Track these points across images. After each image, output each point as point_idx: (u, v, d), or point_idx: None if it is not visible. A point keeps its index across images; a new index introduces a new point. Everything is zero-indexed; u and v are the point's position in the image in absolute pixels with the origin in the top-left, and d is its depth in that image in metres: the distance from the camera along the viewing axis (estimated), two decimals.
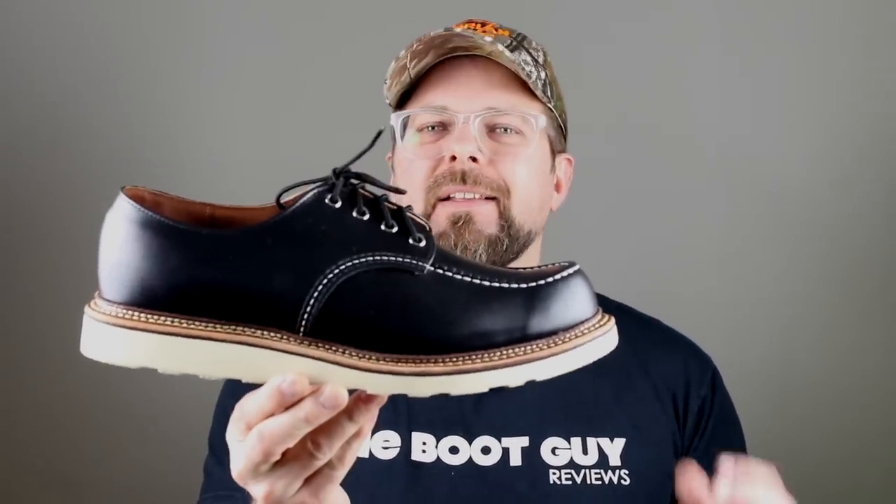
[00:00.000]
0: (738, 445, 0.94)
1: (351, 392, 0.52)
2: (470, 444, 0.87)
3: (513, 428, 0.88)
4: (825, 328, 1.57)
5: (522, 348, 0.51)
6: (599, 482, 0.85)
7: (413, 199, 0.90)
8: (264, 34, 1.61)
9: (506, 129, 0.91)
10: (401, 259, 0.52)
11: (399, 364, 0.51)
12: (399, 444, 0.86)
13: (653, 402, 0.92)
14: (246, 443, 0.52)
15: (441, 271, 0.53)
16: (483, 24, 0.93)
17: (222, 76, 1.60)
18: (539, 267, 0.56)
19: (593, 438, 0.88)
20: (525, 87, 0.92)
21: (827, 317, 1.58)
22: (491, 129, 0.91)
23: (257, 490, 0.55)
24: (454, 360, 0.51)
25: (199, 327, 0.51)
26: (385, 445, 0.86)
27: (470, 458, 0.86)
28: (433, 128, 0.93)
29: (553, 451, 0.87)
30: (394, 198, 0.57)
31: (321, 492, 0.56)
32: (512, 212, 0.91)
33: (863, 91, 1.61)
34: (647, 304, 1.01)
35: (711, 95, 1.62)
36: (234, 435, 0.54)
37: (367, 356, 0.51)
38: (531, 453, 0.86)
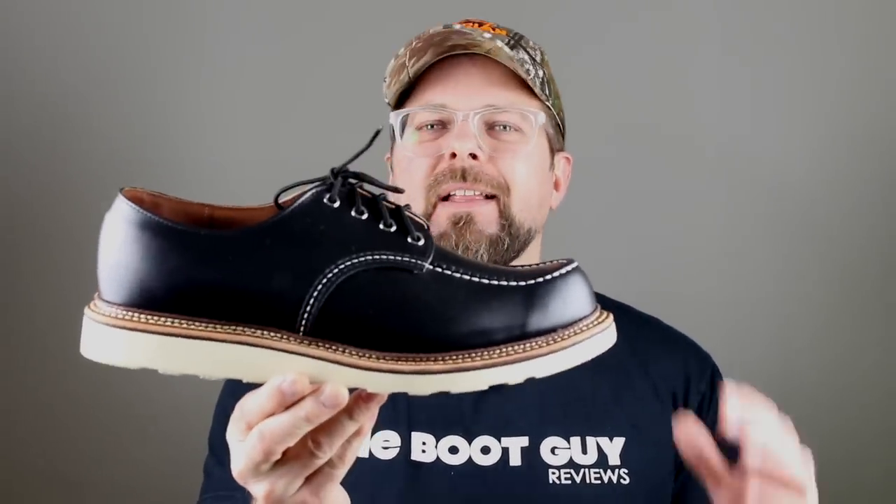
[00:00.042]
0: None
1: (351, 391, 0.52)
2: (469, 443, 0.87)
3: (512, 428, 0.88)
4: (824, 328, 1.58)
5: (522, 346, 0.52)
6: (599, 482, 0.85)
7: (413, 199, 0.90)
8: (264, 34, 1.61)
9: (505, 127, 0.92)
10: (400, 258, 0.53)
11: (399, 362, 0.51)
12: (399, 444, 0.86)
13: (652, 401, 0.92)
14: (246, 442, 0.52)
15: (440, 270, 0.53)
16: (480, 24, 0.93)
17: (222, 76, 1.60)
18: (538, 265, 0.56)
19: (593, 438, 0.88)
20: (523, 85, 0.92)
21: (826, 316, 1.59)
22: (490, 127, 0.91)
23: (258, 489, 0.55)
24: (454, 358, 0.51)
25: (199, 328, 0.51)
26: (385, 445, 0.86)
27: (469, 458, 0.86)
28: (432, 126, 0.93)
29: (552, 450, 0.87)
30: (392, 197, 0.57)
31: (322, 490, 0.56)
32: (512, 210, 0.91)
33: (862, 91, 1.61)
34: (647, 304, 1.01)
35: (711, 95, 1.62)
36: (234, 434, 0.54)
37: (367, 355, 0.51)
38: (531, 453, 0.86)
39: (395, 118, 0.95)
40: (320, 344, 0.51)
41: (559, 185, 1.01)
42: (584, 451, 0.87)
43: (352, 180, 0.54)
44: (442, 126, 0.92)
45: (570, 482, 0.85)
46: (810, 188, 1.61)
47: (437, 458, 0.86)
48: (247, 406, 0.52)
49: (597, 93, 1.53)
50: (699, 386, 0.94)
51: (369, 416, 0.53)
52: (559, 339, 0.52)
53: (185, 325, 0.51)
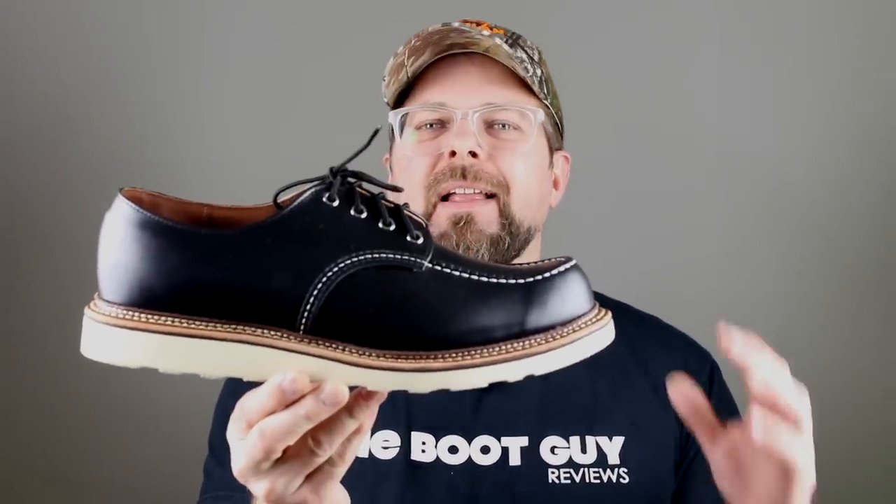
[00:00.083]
0: None
1: (351, 389, 0.52)
2: (469, 443, 0.87)
3: (512, 427, 0.88)
4: (823, 328, 1.58)
5: (521, 343, 0.52)
6: (598, 481, 0.85)
7: (413, 198, 0.90)
8: (264, 34, 1.61)
9: (504, 126, 0.92)
10: (399, 256, 0.53)
11: (399, 360, 0.51)
12: (398, 444, 0.86)
13: (652, 399, 0.92)
14: (247, 441, 0.53)
15: (439, 268, 0.54)
16: (478, 24, 0.93)
17: (222, 76, 1.60)
18: (536, 263, 0.57)
19: (592, 437, 0.88)
20: (522, 84, 0.93)
21: (825, 316, 1.59)
22: (489, 126, 0.91)
23: (258, 488, 0.55)
24: (453, 355, 0.51)
25: (200, 327, 0.51)
26: (385, 445, 0.86)
27: (469, 458, 0.86)
28: (431, 125, 0.93)
29: (552, 450, 0.87)
30: (391, 196, 0.57)
31: (322, 489, 0.56)
32: (512, 208, 0.91)
33: (861, 91, 1.61)
34: (647, 304, 1.01)
35: (711, 95, 1.62)
36: (234, 433, 0.54)
37: (367, 353, 0.51)
38: (530, 453, 0.86)
39: (393, 117, 0.95)
40: (320, 342, 0.52)
41: (558, 183, 1.01)
42: (584, 451, 0.87)
43: (351, 179, 0.55)
44: (441, 125, 0.92)
45: (569, 481, 0.85)
46: (810, 188, 1.61)
47: (437, 457, 0.86)
48: (247, 404, 0.53)
49: (597, 93, 1.53)
50: (699, 383, 0.94)
51: (369, 414, 0.54)
52: (558, 337, 0.52)
53: (185, 325, 0.51)
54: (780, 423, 0.58)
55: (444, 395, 0.87)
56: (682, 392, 0.65)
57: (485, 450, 0.86)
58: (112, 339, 0.52)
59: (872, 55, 1.61)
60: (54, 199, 1.56)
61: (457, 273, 0.54)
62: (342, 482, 0.60)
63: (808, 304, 1.59)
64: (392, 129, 0.96)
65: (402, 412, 0.88)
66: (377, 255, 0.52)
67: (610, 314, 0.56)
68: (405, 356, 0.51)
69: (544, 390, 0.89)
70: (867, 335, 1.59)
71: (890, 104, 1.60)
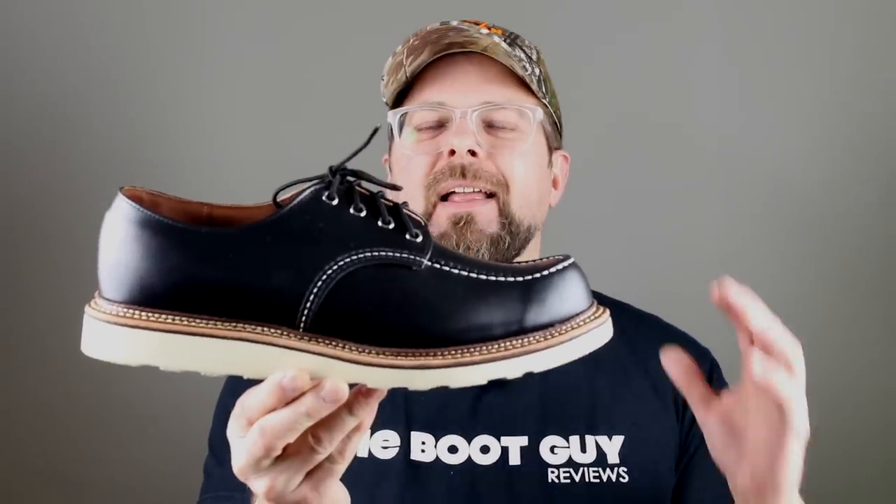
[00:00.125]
0: None
1: (351, 386, 0.52)
2: (469, 443, 0.87)
3: (511, 427, 0.88)
4: (822, 327, 1.57)
5: (519, 340, 0.52)
6: (598, 480, 0.85)
7: (412, 198, 0.90)
8: (264, 34, 1.61)
9: (503, 124, 0.92)
10: (398, 254, 0.53)
11: (398, 358, 0.51)
12: (398, 444, 0.86)
13: (651, 398, 0.92)
14: (247, 438, 0.53)
15: (438, 266, 0.54)
16: (476, 24, 0.93)
17: (222, 76, 1.60)
18: (534, 261, 0.57)
19: (592, 437, 0.88)
20: (520, 83, 0.93)
21: (824, 316, 1.59)
22: (488, 124, 0.91)
23: (258, 485, 0.55)
24: (453, 353, 0.51)
25: (200, 324, 0.51)
26: (384, 445, 0.86)
27: (469, 458, 0.86)
28: (431, 126, 0.93)
29: (552, 449, 0.87)
30: (390, 194, 0.57)
31: (322, 486, 0.57)
32: (511, 207, 0.91)
33: (860, 91, 1.61)
34: (647, 304, 1.02)
35: (711, 95, 1.63)
36: (235, 431, 0.54)
37: (366, 350, 0.52)
38: (530, 452, 0.86)
39: (393, 117, 0.95)
40: (320, 340, 0.52)
41: (558, 183, 1.01)
42: (584, 450, 0.87)
43: (350, 178, 0.55)
44: (440, 125, 0.92)
45: (569, 481, 0.85)
46: (809, 188, 1.61)
47: (437, 457, 0.86)
48: (247, 402, 0.53)
49: (597, 93, 1.54)
50: None
51: (369, 411, 0.54)
52: (556, 334, 0.52)
53: (185, 322, 0.51)
54: (776, 364, 0.59)
55: (443, 394, 0.87)
56: (675, 358, 0.66)
57: (484, 449, 0.86)
58: (113, 337, 0.52)
59: (871, 55, 1.61)
60: (54, 199, 1.56)
61: (456, 271, 0.54)
62: (342, 481, 0.60)
63: (808, 303, 1.59)
64: (391, 129, 0.96)
65: (401, 412, 0.88)
66: (376, 254, 0.52)
67: (608, 312, 0.56)
68: (405, 353, 0.51)
69: (544, 390, 0.89)
70: (867, 335, 1.59)
71: (889, 104, 1.60)
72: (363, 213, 0.54)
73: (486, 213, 0.90)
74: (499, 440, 0.87)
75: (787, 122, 1.62)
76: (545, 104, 0.95)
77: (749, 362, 0.59)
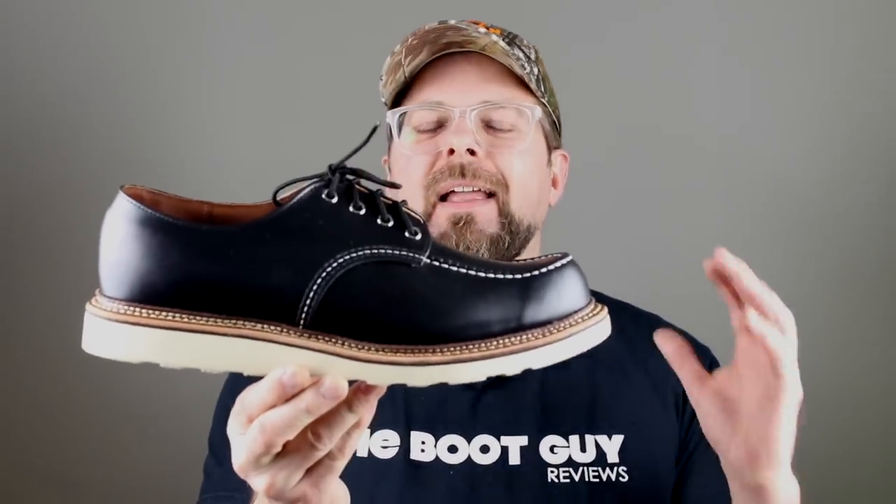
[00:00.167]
0: None
1: (351, 383, 0.52)
2: (469, 442, 0.87)
3: (511, 427, 0.88)
4: (822, 327, 1.57)
5: (518, 337, 0.52)
6: (598, 480, 0.85)
7: (412, 198, 0.90)
8: (263, 34, 1.61)
9: (501, 124, 0.91)
10: (397, 252, 0.53)
11: (398, 354, 0.52)
12: (398, 444, 0.86)
13: (651, 397, 0.92)
14: (247, 435, 0.53)
15: (437, 263, 0.54)
16: (475, 24, 0.93)
17: (222, 76, 1.61)
18: (533, 259, 0.57)
19: (591, 436, 0.88)
20: (519, 82, 0.93)
21: (824, 316, 1.59)
22: (487, 124, 0.91)
23: (258, 482, 0.55)
24: (452, 349, 0.52)
25: (201, 322, 0.51)
26: (384, 445, 0.86)
27: (469, 457, 0.86)
28: (430, 125, 0.93)
29: (551, 449, 0.87)
30: (389, 193, 0.57)
31: (322, 482, 0.57)
32: (511, 206, 0.90)
33: (860, 92, 1.61)
34: (647, 303, 1.01)
35: (711, 95, 1.63)
36: (235, 428, 0.54)
37: (366, 347, 0.52)
38: (530, 452, 0.86)
39: (391, 117, 0.95)
40: (320, 337, 0.52)
41: (557, 182, 1.01)
42: (583, 450, 0.87)
43: (349, 176, 0.55)
44: (439, 126, 0.92)
45: (568, 480, 0.85)
46: (809, 188, 1.61)
47: (437, 457, 0.86)
48: (247, 399, 0.53)
49: (596, 93, 1.54)
50: None
51: (368, 408, 0.54)
52: (555, 331, 0.53)
53: (186, 320, 0.51)
54: (770, 323, 0.61)
55: (443, 394, 0.87)
56: (668, 337, 0.68)
57: (484, 449, 0.86)
58: (113, 334, 0.52)
59: (871, 55, 1.61)
60: (54, 199, 1.56)
61: (454, 268, 0.54)
62: (342, 481, 0.60)
63: (807, 303, 1.58)
64: (390, 130, 0.96)
65: (401, 412, 0.88)
66: (376, 251, 0.53)
67: (606, 309, 0.56)
68: (404, 350, 0.52)
69: (543, 389, 0.89)
70: (866, 335, 1.59)
71: (889, 104, 1.61)
72: (362, 211, 0.54)
73: (485, 213, 0.90)
74: (498, 440, 0.87)
75: (787, 122, 1.62)
76: (544, 103, 0.95)
77: (744, 316, 0.61)
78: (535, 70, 0.94)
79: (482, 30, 0.90)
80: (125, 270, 0.52)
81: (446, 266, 0.54)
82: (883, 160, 1.60)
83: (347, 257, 0.52)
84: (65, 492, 1.54)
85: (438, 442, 0.87)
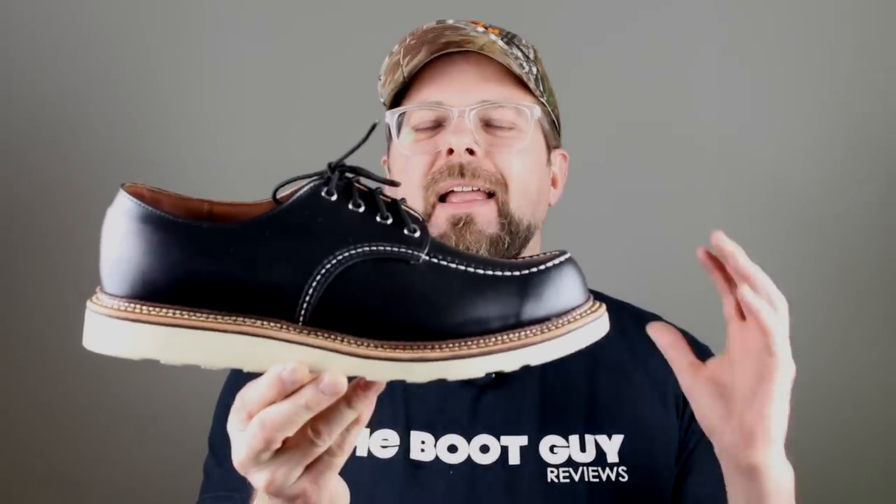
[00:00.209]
0: None
1: (350, 379, 0.52)
2: (468, 442, 0.87)
3: (511, 426, 0.88)
4: (822, 327, 1.58)
5: (517, 334, 0.52)
6: (597, 479, 0.85)
7: (411, 198, 0.89)
8: (264, 34, 1.62)
9: (500, 123, 0.91)
10: (396, 249, 0.53)
11: (397, 350, 0.52)
12: (398, 443, 0.86)
13: (651, 397, 0.92)
14: (247, 431, 0.53)
15: (436, 261, 0.54)
16: (473, 23, 0.93)
17: (222, 76, 1.61)
18: (531, 256, 0.57)
19: (591, 436, 0.88)
20: (518, 81, 0.93)
21: (824, 316, 1.59)
22: (486, 123, 0.91)
23: (258, 479, 0.55)
24: (450, 346, 0.52)
25: (201, 318, 0.52)
26: (384, 444, 0.86)
27: (468, 457, 0.86)
28: (429, 125, 0.93)
29: (551, 449, 0.87)
30: (388, 191, 0.58)
31: (321, 479, 0.57)
32: (510, 206, 0.90)
33: (860, 92, 1.62)
34: (647, 304, 1.01)
35: (711, 95, 1.63)
36: (235, 424, 0.55)
37: (365, 343, 0.52)
38: (529, 452, 0.86)
39: (390, 117, 0.95)
40: (319, 333, 0.52)
41: (557, 181, 1.01)
42: (583, 450, 0.87)
43: (349, 174, 0.55)
44: (438, 125, 0.92)
45: (568, 480, 0.85)
46: (809, 188, 1.61)
47: (436, 457, 0.86)
48: (247, 395, 0.53)
49: (596, 93, 1.54)
50: None
51: (367, 404, 0.54)
52: (553, 328, 0.53)
53: (186, 316, 0.51)
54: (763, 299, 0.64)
55: (443, 394, 0.87)
56: (661, 328, 0.70)
57: (484, 449, 0.86)
58: (114, 331, 0.52)
59: (871, 55, 1.61)
60: (54, 199, 1.56)
61: (453, 265, 0.54)
62: (342, 479, 0.61)
63: (807, 303, 1.58)
64: (389, 130, 0.96)
65: (401, 411, 0.88)
66: (375, 248, 0.53)
67: (604, 306, 0.56)
68: (403, 346, 0.52)
69: (543, 389, 0.89)
70: (866, 335, 1.59)
71: (889, 104, 1.61)
72: (362, 209, 0.54)
73: (485, 213, 0.90)
74: (498, 440, 0.87)
75: (786, 122, 1.62)
76: (543, 102, 0.95)
77: (738, 292, 0.64)
78: (534, 69, 0.94)
79: (480, 29, 0.90)
80: (126, 268, 0.52)
81: (445, 263, 0.54)
82: (883, 160, 1.60)
83: (347, 254, 0.52)
84: (65, 492, 1.54)
85: (438, 442, 0.87)
